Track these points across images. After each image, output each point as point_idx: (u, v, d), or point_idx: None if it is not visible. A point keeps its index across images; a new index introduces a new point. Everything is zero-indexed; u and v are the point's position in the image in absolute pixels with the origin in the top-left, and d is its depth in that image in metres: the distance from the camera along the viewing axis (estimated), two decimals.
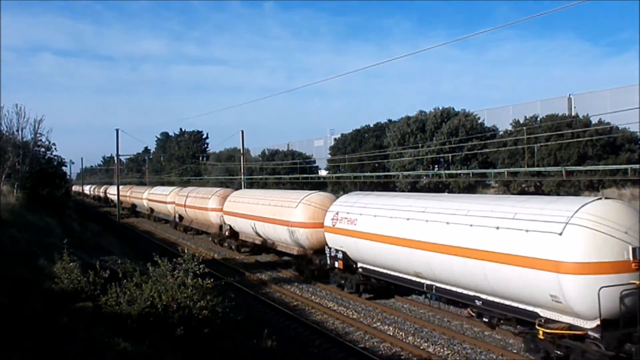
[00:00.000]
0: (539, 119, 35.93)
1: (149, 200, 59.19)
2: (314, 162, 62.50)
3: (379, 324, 17.95)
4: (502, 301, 14.13)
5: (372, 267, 19.79)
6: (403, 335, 16.67)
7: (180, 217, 45.58)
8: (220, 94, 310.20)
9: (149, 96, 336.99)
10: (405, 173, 40.97)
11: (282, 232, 25.75)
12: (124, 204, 75.74)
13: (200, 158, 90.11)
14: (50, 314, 10.84)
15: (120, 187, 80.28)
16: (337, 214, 21.18)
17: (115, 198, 77.70)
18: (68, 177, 65.77)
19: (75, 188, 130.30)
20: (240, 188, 43.53)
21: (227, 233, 33.66)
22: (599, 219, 11.88)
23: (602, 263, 11.63)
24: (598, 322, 11.67)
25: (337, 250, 21.10)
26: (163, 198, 51.98)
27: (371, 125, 52.39)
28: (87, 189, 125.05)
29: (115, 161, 74.29)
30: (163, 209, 52.55)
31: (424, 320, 18.10)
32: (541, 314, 12.93)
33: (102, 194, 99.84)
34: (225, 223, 34.10)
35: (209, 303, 12.19)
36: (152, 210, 58.35)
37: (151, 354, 9.79)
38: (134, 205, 69.98)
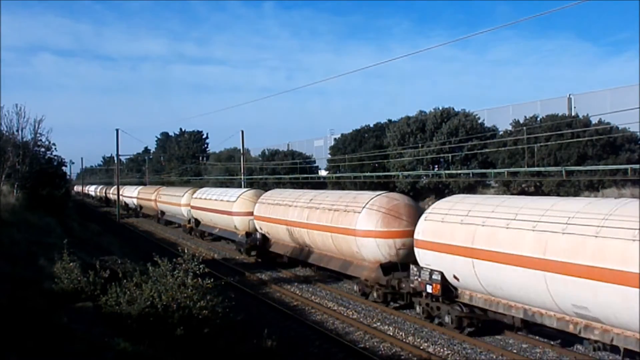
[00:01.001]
0: (539, 119, 35.90)
1: (193, 207, 42.11)
2: (314, 162, 62.41)
3: (379, 324, 17.95)
4: None
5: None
6: (403, 335, 16.67)
7: (265, 239, 29.28)
8: (220, 94, 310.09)
9: (149, 96, 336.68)
10: (405, 173, 40.95)
11: None
12: (144, 209, 63.72)
13: (200, 158, 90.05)
14: (50, 314, 10.85)
15: (141, 187, 69.29)
16: None
17: (126, 200, 71.69)
18: (68, 177, 64.58)
19: (77, 188, 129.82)
20: (241, 187, 43.09)
21: (412, 285, 17.57)
22: None
23: None
24: None
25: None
26: (224, 207, 34.64)
27: (371, 125, 52.32)
28: (92, 190, 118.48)
29: (116, 161, 74.20)
30: (222, 221, 35.61)
31: (424, 320, 18.10)
32: None
33: (109, 195, 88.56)
34: (427, 268, 16.87)
35: (209, 303, 12.22)
36: (197, 222, 41.86)
37: (151, 354, 9.80)
38: (162, 212, 54.80)
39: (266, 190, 33.40)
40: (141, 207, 65.40)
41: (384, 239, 19.42)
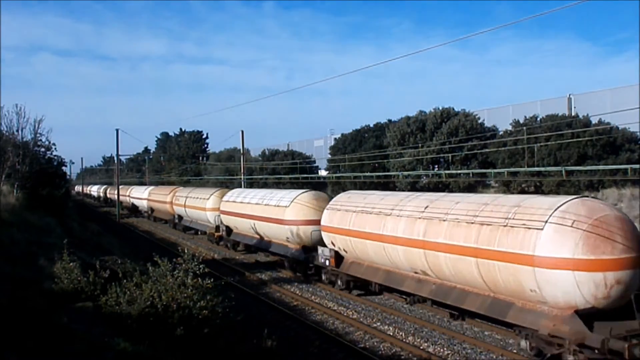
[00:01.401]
0: (539, 119, 35.94)
1: (224, 213, 34.58)
2: (314, 162, 62.48)
3: (379, 324, 17.95)
4: None
5: None
6: (403, 335, 16.67)
7: (338, 257, 22.25)
8: (220, 94, 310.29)
9: (149, 96, 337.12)
10: (405, 173, 40.96)
11: None
12: (156, 212, 57.11)
13: (200, 158, 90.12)
14: (50, 314, 10.85)
15: (153, 188, 62.26)
16: None
17: (135, 202, 67.19)
18: (68, 177, 64.02)
19: (77, 189, 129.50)
20: (241, 188, 42.87)
21: None
22: None
23: None
24: None
25: None
26: (270, 213, 27.42)
27: (371, 125, 52.40)
28: (94, 190, 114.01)
29: (116, 161, 74.19)
30: (266, 231, 28.38)
31: (424, 320, 18.10)
32: None
33: (114, 196, 75.93)
34: None
35: (209, 303, 12.22)
36: (229, 230, 34.72)
37: (151, 354, 9.80)
38: (179, 217, 47.97)
39: (325, 191, 27.90)
40: (152, 210, 58.34)
41: (589, 273, 12.60)
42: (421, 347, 15.45)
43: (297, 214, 25.27)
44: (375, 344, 16.01)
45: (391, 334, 16.85)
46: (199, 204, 40.54)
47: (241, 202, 32.13)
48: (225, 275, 23.52)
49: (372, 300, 20.77)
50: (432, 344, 15.67)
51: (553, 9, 14.65)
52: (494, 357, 14.68)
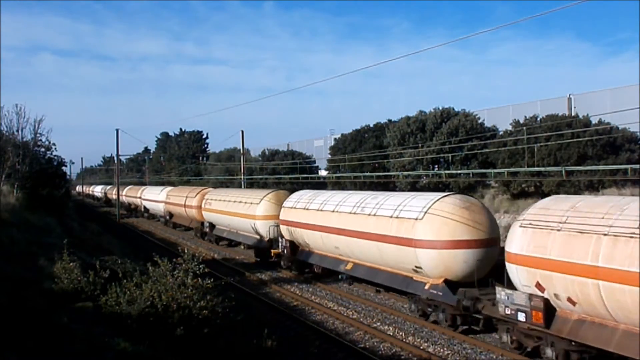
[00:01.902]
0: (539, 119, 35.93)
1: (286, 224, 26.28)
2: (314, 162, 62.50)
3: (379, 324, 17.96)
4: None
5: None
6: (403, 335, 16.67)
7: (548, 311, 13.06)
8: (220, 94, 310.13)
9: (149, 96, 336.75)
10: (405, 173, 40.96)
11: None
12: (176, 217, 48.77)
13: (200, 158, 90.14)
14: (50, 314, 10.86)
15: (171, 189, 52.73)
16: None
17: (148, 205, 61.59)
18: (68, 177, 63.95)
19: (78, 188, 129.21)
20: (241, 188, 42.74)
21: None
22: None
23: None
24: None
25: None
26: (389, 228, 18.69)
27: (371, 125, 52.38)
28: (98, 191, 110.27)
29: (116, 161, 74.22)
30: (381, 256, 19.53)
31: (424, 320, 18.09)
32: None
33: (120, 197, 67.78)
34: None
35: (209, 303, 12.24)
36: (293, 247, 25.95)
37: (151, 354, 9.81)
38: (211, 226, 38.65)
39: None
40: (171, 214, 50.23)
41: None
42: (421, 347, 15.46)
43: (438, 231, 16.74)
44: (375, 344, 16.02)
45: (391, 334, 16.85)
46: (244, 210, 31.47)
47: (320, 210, 23.44)
48: (226, 275, 23.51)
49: (372, 300, 20.77)
50: (432, 344, 15.67)
51: (553, 9, 14.69)
52: (494, 357, 14.68)
